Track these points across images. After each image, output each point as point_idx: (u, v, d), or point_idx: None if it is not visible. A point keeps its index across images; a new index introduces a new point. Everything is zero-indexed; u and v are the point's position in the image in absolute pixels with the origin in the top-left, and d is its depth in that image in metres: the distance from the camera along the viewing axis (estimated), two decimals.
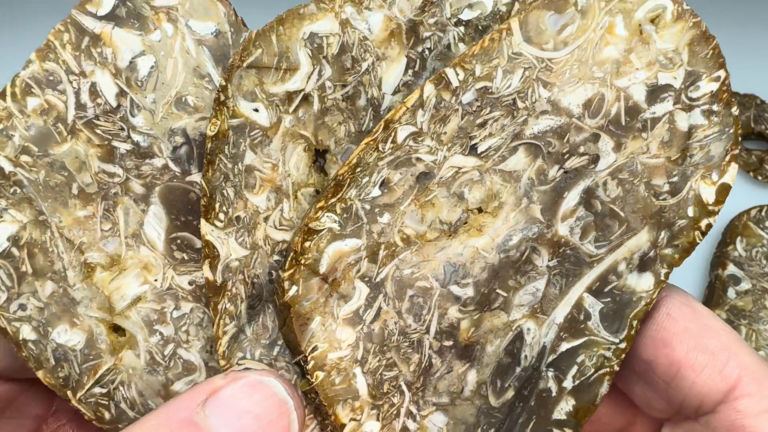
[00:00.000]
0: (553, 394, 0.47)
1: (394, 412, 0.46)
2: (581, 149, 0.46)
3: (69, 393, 0.44)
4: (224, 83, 0.44)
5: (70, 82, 0.43)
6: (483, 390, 0.47)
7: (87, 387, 0.45)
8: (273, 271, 0.46)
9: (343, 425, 0.45)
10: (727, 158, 0.47)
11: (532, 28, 0.45)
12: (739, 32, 0.47)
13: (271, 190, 0.45)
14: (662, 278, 0.47)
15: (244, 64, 0.44)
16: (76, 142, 0.44)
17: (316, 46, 0.45)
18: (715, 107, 0.47)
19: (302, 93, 0.45)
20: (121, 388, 0.45)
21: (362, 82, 0.46)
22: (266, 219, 0.46)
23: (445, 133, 0.45)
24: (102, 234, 0.45)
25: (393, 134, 0.45)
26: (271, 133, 0.45)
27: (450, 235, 0.46)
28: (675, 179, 0.47)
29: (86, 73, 0.44)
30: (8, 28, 0.69)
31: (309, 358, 0.45)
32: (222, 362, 0.45)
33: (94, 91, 0.44)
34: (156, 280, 0.45)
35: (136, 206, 0.45)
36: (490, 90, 0.45)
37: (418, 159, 0.45)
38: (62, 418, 0.47)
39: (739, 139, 0.47)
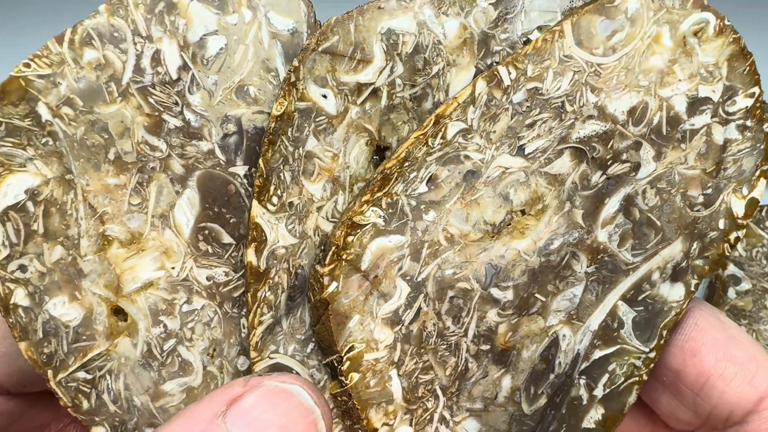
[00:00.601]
0: (584, 402, 0.45)
1: (428, 418, 0.43)
2: (624, 156, 0.44)
3: (50, 372, 0.38)
4: (297, 64, 0.41)
5: (134, 44, 0.39)
6: (516, 396, 0.44)
7: (71, 369, 0.38)
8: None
9: (375, 430, 0.42)
10: (757, 173, 0.46)
11: (584, 32, 0.44)
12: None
13: (329, 180, 0.42)
14: (692, 289, 0.45)
15: (320, 48, 0.41)
16: (125, 105, 0.39)
17: (392, 42, 0.42)
18: (748, 123, 0.46)
19: (372, 86, 0.42)
20: (107, 377, 0.39)
21: (431, 84, 0.43)
22: (319, 209, 0.42)
23: (495, 131, 0.43)
24: (129, 207, 0.40)
25: (443, 130, 0.42)
26: (336, 121, 0.42)
27: (493, 236, 0.43)
28: (709, 191, 0.45)
29: (153, 39, 0.39)
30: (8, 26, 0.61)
31: (344, 359, 0.42)
32: (253, 354, 0.41)
33: (156, 59, 0.39)
34: (173, 268, 0.40)
35: (172, 186, 0.40)
36: (540, 91, 0.43)
37: (467, 157, 0.43)
38: (66, 419, 0.42)
39: None
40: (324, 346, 0.42)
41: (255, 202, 0.40)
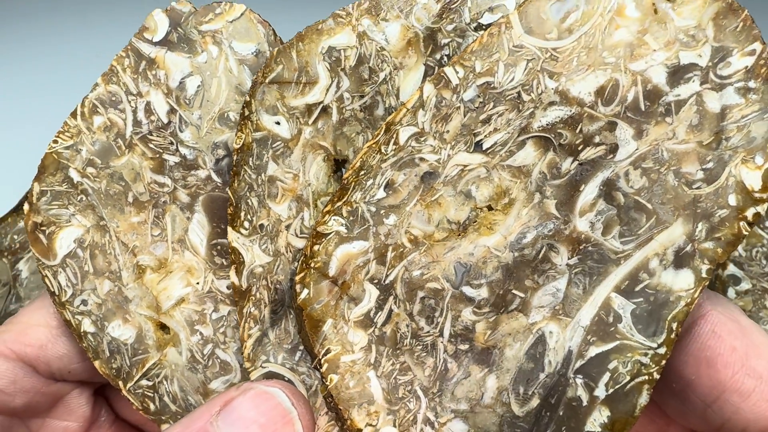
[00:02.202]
0: (584, 403, 0.21)
1: (411, 419, 0.22)
2: (596, 139, 0.21)
3: (120, 383, 0.23)
4: (248, 99, 0.23)
5: (129, 102, 0.24)
6: (504, 397, 0.21)
7: (135, 379, 0.24)
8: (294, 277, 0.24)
9: (360, 430, 0.22)
10: None
11: (533, 19, 0.21)
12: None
13: (293, 199, 0.23)
14: (704, 275, 0.20)
15: (267, 80, 0.22)
16: (132, 155, 0.24)
17: (334, 59, 0.22)
18: (752, 84, 0.20)
19: (321, 105, 0.23)
20: (164, 382, 0.24)
21: (380, 92, 0.23)
22: (288, 227, 0.23)
23: (448, 131, 0.22)
24: (152, 239, 0.24)
25: (395, 136, 0.22)
26: (292, 144, 0.23)
27: (459, 235, 0.22)
28: (710, 165, 0.20)
29: (142, 93, 0.24)
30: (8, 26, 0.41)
31: (323, 361, 0.22)
32: (247, 364, 0.23)
33: (148, 110, 0.24)
34: (198, 283, 0.24)
35: (182, 214, 0.24)
36: (492, 85, 0.21)
37: (422, 159, 0.22)
38: (104, 426, 0.26)
39: None
40: (309, 351, 0.23)
41: (230, 229, 0.23)
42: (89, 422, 0.23)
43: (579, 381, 0.20)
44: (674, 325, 0.20)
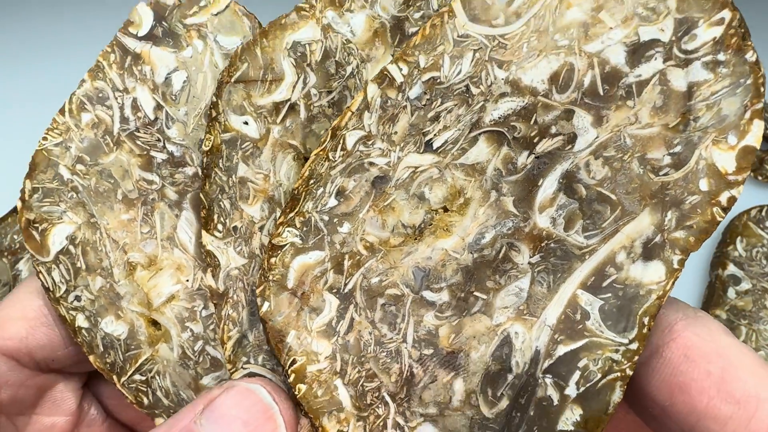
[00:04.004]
0: (555, 402, 0.18)
1: (381, 424, 0.19)
2: (553, 129, 0.18)
3: (114, 377, 0.22)
4: (215, 100, 0.21)
5: (116, 98, 0.22)
6: (473, 399, 0.19)
7: (129, 373, 0.22)
8: None
9: None
10: (747, 115, 0.16)
11: (478, 6, 0.18)
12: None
13: (265, 200, 0.21)
14: (675, 266, 0.17)
15: (232, 80, 0.20)
16: (120, 152, 0.22)
17: (299, 54, 0.20)
18: (721, 56, 0.17)
19: (288, 103, 0.20)
20: (157, 378, 0.22)
21: (348, 86, 0.20)
22: (261, 228, 0.21)
23: (396, 132, 0.19)
24: (141, 236, 0.22)
25: (342, 141, 0.19)
26: (261, 144, 0.21)
27: (416, 239, 0.19)
28: (677, 149, 0.17)
29: (129, 90, 0.22)
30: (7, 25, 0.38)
31: (289, 372, 0.20)
32: (228, 366, 0.21)
33: (135, 106, 0.22)
34: (187, 281, 0.22)
35: (171, 211, 0.22)
36: (438, 80, 0.18)
37: (371, 163, 0.19)
38: (95, 424, 0.24)
39: (763, 90, 0.17)
40: (277, 360, 0.21)
41: (204, 232, 0.21)
42: (77, 417, 0.22)
43: (548, 381, 0.17)
44: (646, 320, 0.17)
